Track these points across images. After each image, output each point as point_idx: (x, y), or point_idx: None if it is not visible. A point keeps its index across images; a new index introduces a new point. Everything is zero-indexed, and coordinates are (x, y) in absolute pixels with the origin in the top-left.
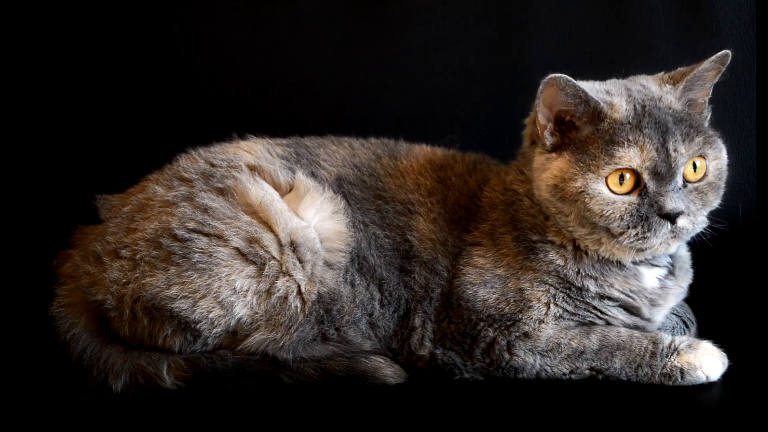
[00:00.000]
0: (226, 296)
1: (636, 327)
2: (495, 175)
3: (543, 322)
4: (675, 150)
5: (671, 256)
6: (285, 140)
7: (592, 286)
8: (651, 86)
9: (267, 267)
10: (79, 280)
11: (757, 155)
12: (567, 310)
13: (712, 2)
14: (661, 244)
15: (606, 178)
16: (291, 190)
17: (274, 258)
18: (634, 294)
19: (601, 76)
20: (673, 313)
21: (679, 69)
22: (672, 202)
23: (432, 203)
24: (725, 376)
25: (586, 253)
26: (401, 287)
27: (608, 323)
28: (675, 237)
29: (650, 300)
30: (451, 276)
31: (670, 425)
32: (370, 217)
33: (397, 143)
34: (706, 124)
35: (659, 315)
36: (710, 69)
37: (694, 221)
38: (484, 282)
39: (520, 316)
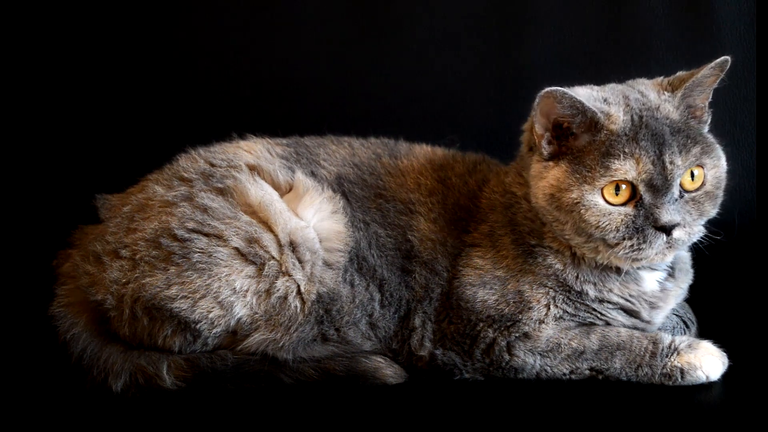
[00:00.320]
0: (226, 296)
1: (635, 328)
2: (495, 176)
3: (543, 322)
4: (671, 162)
5: None
6: (285, 140)
7: (591, 291)
8: (650, 94)
9: (267, 267)
10: (79, 279)
11: (757, 156)
12: (567, 312)
13: (712, 3)
14: (656, 254)
15: (602, 189)
16: (291, 189)
17: (273, 258)
18: (634, 298)
19: (601, 77)
20: (674, 314)
21: (679, 74)
22: (668, 215)
23: (432, 203)
24: (725, 376)
25: (584, 259)
26: (402, 287)
27: (608, 324)
28: (671, 248)
29: (650, 303)
30: (450, 276)
31: (670, 425)
32: (371, 215)
33: (397, 143)
34: (706, 129)
35: (659, 317)
36: (709, 75)
37: (690, 232)
38: (483, 283)
39: (519, 317)
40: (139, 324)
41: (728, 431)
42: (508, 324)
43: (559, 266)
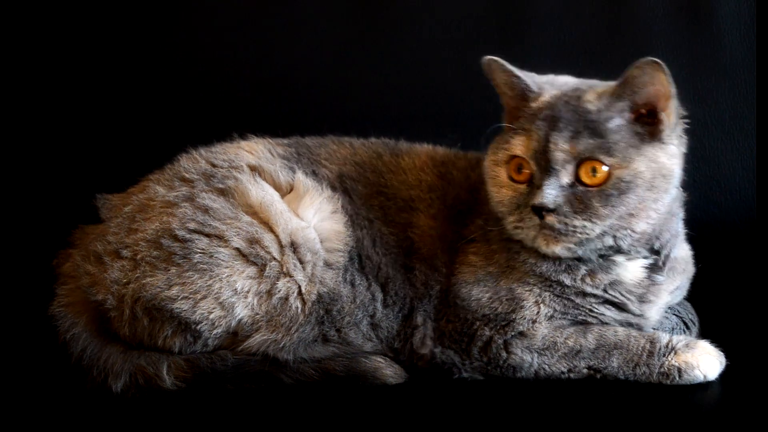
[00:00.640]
0: (227, 297)
1: (630, 324)
2: None
3: (536, 321)
4: (554, 143)
5: (653, 250)
6: (286, 140)
7: (566, 280)
8: (586, 88)
9: (268, 268)
10: (80, 279)
11: (757, 155)
12: (557, 310)
13: (712, 3)
14: (535, 238)
15: (508, 164)
16: (292, 190)
17: (274, 259)
18: (613, 289)
19: (601, 77)
20: (674, 314)
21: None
22: (540, 197)
23: (432, 199)
24: (723, 375)
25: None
26: (406, 285)
27: (602, 322)
28: (547, 234)
29: (638, 296)
30: (448, 272)
31: (668, 424)
32: (374, 213)
33: (398, 143)
34: (667, 134)
35: (651, 311)
36: (637, 76)
37: (568, 223)
38: (477, 280)
39: (513, 317)
40: (139, 324)
41: (725, 430)
42: (503, 323)
43: (532, 260)
